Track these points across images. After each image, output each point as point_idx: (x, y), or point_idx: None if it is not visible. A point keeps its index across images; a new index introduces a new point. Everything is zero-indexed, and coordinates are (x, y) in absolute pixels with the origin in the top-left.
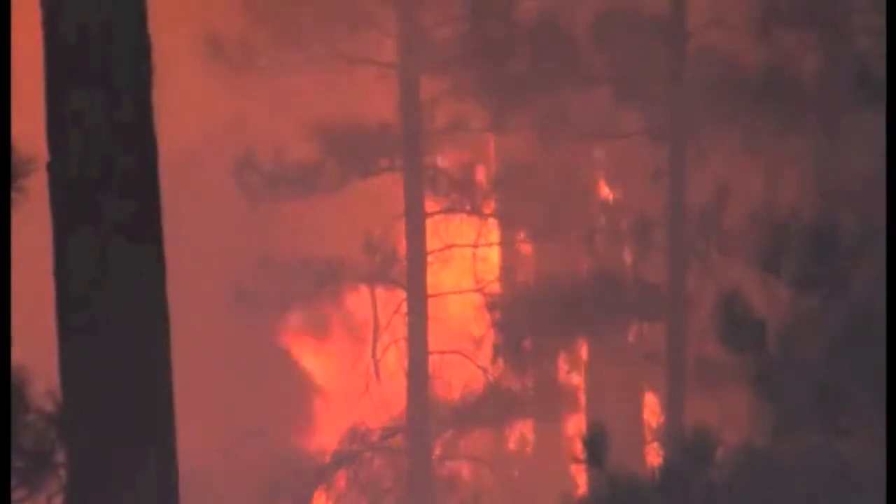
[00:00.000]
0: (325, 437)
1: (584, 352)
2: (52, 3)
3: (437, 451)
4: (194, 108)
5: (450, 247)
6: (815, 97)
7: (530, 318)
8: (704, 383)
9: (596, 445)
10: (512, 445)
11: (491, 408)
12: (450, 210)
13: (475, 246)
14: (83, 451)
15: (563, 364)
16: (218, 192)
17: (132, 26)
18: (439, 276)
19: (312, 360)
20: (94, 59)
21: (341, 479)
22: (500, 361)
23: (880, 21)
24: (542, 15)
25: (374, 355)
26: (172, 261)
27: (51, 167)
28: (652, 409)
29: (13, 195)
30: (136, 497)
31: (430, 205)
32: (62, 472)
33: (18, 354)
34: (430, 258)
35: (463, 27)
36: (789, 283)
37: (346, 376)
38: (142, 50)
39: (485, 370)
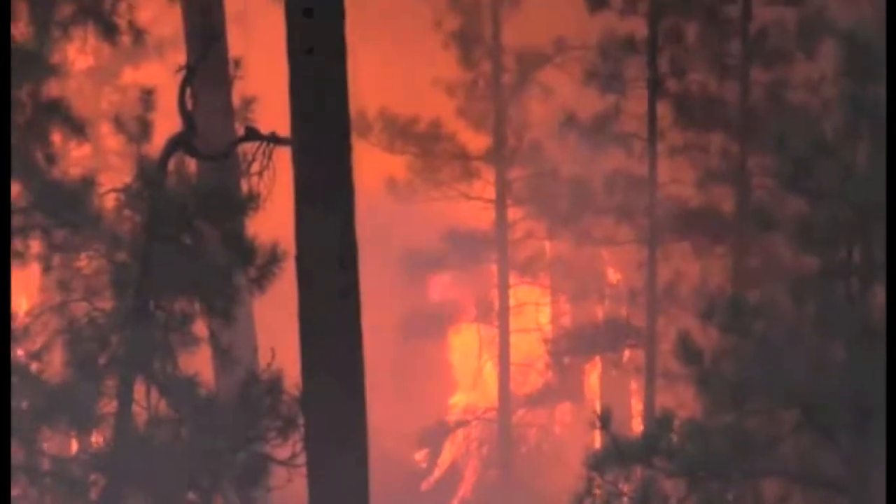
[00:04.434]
0: (452, 411)
1: (598, 366)
2: (301, 159)
3: (514, 421)
4: (378, 222)
5: (522, 304)
6: (730, 225)
7: (568, 346)
8: (667, 384)
9: (605, 418)
10: (557, 418)
11: (545, 397)
12: (523, 284)
13: (537, 304)
14: (314, 416)
15: (587, 373)
16: (389, 268)
17: (346, 175)
18: (517, 321)
19: (446, 369)
20: (320, 189)
21: (459, 434)
22: (551, 371)
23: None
24: (574, 176)
25: (479, 365)
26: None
27: (298, 258)
28: (637, 398)
29: (276, 272)
30: (344, 441)
31: (512, 280)
32: (302, 429)
33: (279, 360)
34: (511, 310)
35: (529, 182)
36: (717, 327)
37: (464, 377)
38: (348, 188)
39: (542, 375)
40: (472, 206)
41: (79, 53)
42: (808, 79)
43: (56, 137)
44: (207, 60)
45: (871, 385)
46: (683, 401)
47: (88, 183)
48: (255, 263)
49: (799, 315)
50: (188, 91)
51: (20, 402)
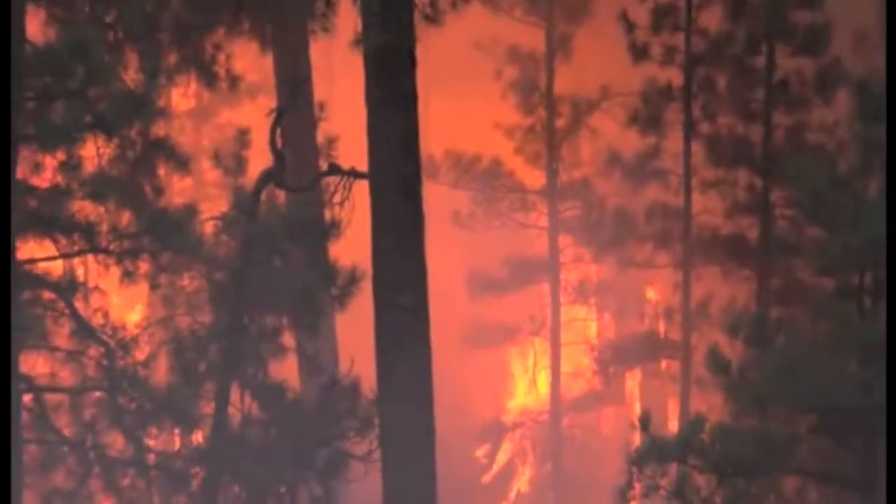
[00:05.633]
0: (509, 413)
1: (639, 374)
2: (377, 191)
3: (565, 422)
4: (444, 247)
5: (572, 320)
6: (755, 251)
7: (612, 357)
8: (699, 391)
9: (645, 421)
10: (602, 420)
11: (591, 401)
12: (572, 302)
13: (584, 320)
14: (388, 417)
15: (628, 381)
16: (454, 288)
17: (417, 206)
18: (566, 335)
19: (504, 377)
20: (394, 218)
21: (516, 434)
22: (597, 378)
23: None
24: (617, 208)
25: (534, 373)
26: (434, 326)
27: (374, 279)
28: (673, 403)
29: (355, 290)
30: (414, 439)
31: (562, 299)
32: (377, 428)
33: (357, 368)
34: (562, 326)
35: (578, 212)
36: (743, 342)
37: (520, 384)
38: (419, 217)
39: (589, 382)
40: (527, 233)
41: (182, 97)
42: (824, 122)
43: (162, 171)
44: (295, 104)
45: (879, 393)
46: (713, 406)
47: (191, 211)
48: (336, 283)
49: (816, 331)
50: (278, 131)
51: (129, 404)
